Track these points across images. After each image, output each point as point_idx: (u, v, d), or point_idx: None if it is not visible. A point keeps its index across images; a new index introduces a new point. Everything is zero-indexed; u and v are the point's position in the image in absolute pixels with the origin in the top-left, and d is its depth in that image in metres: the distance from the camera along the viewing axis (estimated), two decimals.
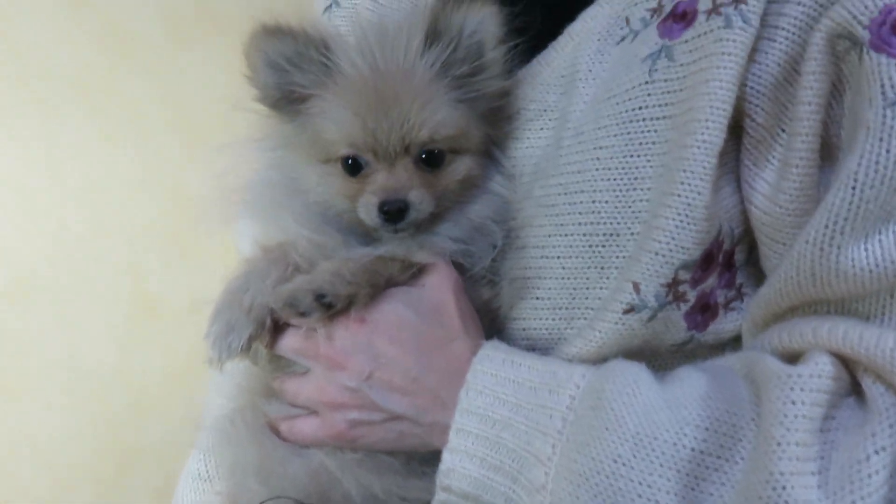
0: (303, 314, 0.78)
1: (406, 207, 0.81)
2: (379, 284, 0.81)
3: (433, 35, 0.83)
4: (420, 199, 0.82)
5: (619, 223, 0.77)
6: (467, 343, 0.79)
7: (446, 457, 0.73)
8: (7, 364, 2.40)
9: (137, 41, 2.54)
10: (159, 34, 2.57)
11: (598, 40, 0.83)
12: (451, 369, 0.77)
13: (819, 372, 0.61)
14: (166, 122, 2.58)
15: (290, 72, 0.84)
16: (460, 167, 0.85)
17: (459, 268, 0.86)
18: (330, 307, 0.78)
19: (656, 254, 0.72)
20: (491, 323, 0.86)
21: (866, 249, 0.62)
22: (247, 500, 0.86)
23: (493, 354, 0.76)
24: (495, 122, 0.88)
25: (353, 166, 0.84)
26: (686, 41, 0.74)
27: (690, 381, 0.68)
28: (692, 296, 0.75)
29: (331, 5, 1.12)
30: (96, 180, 2.50)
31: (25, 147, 2.41)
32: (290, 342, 0.83)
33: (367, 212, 0.82)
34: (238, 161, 0.93)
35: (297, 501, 0.83)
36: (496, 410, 0.72)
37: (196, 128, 2.57)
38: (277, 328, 0.83)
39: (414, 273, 0.84)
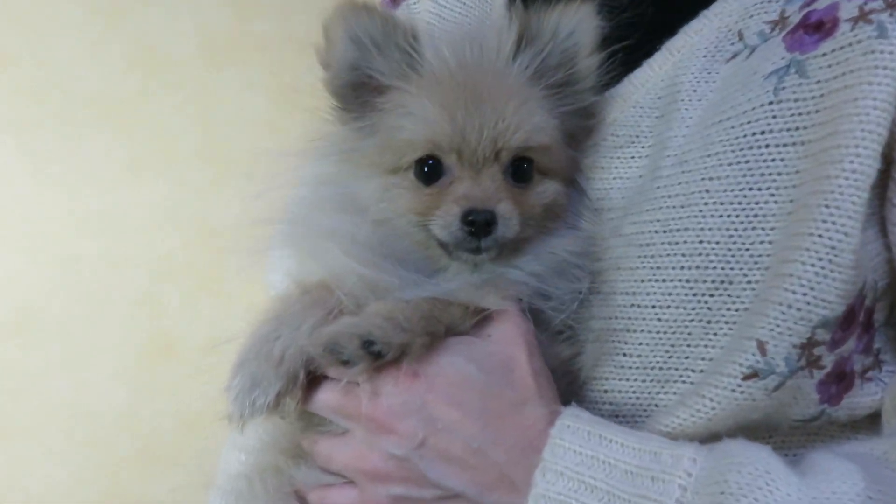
0: (346, 363, 0.71)
1: (494, 220, 0.74)
2: (438, 333, 0.74)
3: (526, 37, 0.79)
4: (509, 214, 0.75)
5: (732, 268, 0.70)
6: (541, 409, 0.71)
7: None
8: (3, 401, 2.41)
9: (169, 60, 2.58)
10: (194, 54, 2.61)
11: (704, 57, 0.79)
12: (522, 441, 0.70)
13: None
14: (196, 147, 2.60)
15: (373, 53, 0.80)
16: (549, 189, 0.80)
17: (534, 319, 0.78)
18: (378, 356, 0.70)
19: (789, 307, 0.65)
20: (568, 387, 0.79)
21: None
22: None
23: (574, 425, 0.69)
24: (582, 145, 0.83)
25: (430, 173, 0.77)
26: (824, 54, 0.68)
27: (841, 476, 0.61)
28: (829, 361, 0.68)
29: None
30: (115, 206, 2.52)
31: (41, 166, 2.44)
32: (327, 398, 0.76)
33: (446, 225, 0.75)
34: (276, 179, 0.86)
35: None
36: (581, 499, 0.65)
37: (228, 155, 2.57)
38: (313, 380, 0.76)
39: (479, 321, 0.77)
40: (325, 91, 0.83)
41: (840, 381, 0.70)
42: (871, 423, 0.73)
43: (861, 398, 0.71)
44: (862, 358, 0.70)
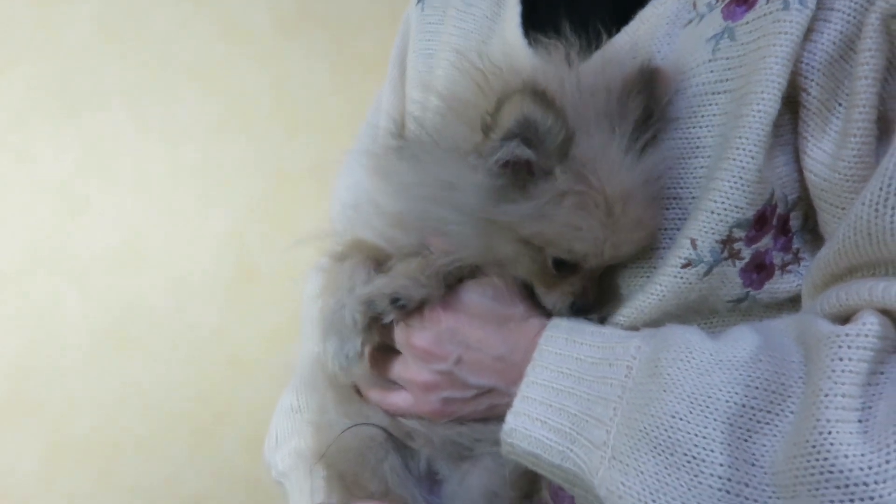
0: (380, 314, 0.78)
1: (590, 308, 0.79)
2: (451, 284, 0.80)
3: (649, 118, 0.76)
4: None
5: (681, 188, 0.76)
6: (540, 321, 0.78)
7: (509, 418, 0.73)
8: (120, 318, 2.50)
9: (248, 34, 2.64)
10: (267, 28, 2.66)
11: (667, 24, 0.82)
12: (530, 346, 0.76)
13: (866, 331, 0.59)
14: (270, 107, 2.66)
15: (534, 144, 0.69)
16: None
17: None
18: (404, 308, 0.78)
19: (712, 212, 0.72)
20: None
21: None
22: (333, 433, 0.87)
23: (556, 335, 0.75)
24: None
25: (566, 268, 0.77)
26: (747, 22, 0.73)
27: (743, 343, 0.66)
28: (747, 253, 0.75)
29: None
30: (206, 157, 2.59)
31: (145, 123, 2.51)
32: (396, 336, 0.82)
33: (557, 304, 0.79)
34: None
35: (382, 428, 0.85)
36: (559, 382, 0.72)
37: (297, 113, 2.67)
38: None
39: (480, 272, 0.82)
40: (484, 157, 0.71)
41: (760, 270, 0.76)
42: (792, 305, 0.78)
43: (781, 285, 0.77)
44: (781, 254, 0.76)
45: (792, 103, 0.72)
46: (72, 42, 2.43)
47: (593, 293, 0.79)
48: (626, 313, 0.78)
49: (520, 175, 0.71)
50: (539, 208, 0.71)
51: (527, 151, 0.69)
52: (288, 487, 1.00)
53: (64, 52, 2.42)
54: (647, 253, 0.79)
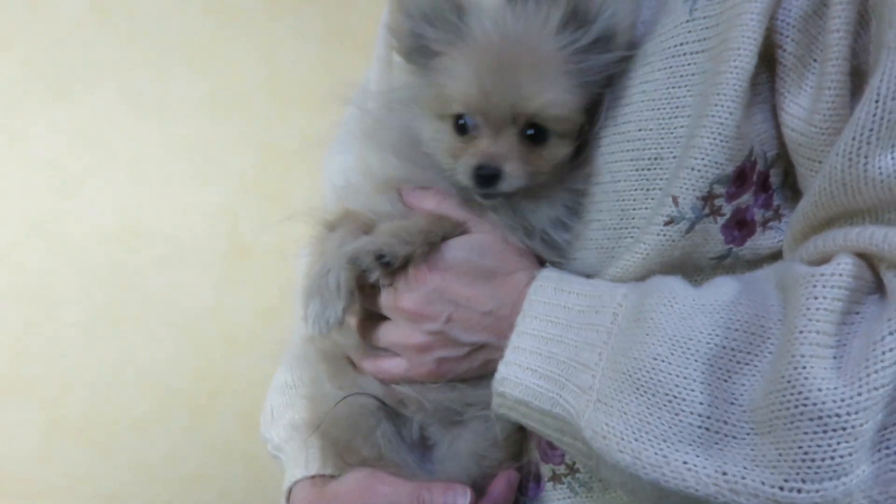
0: (365, 271, 0.79)
1: (499, 176, 0.79)
2: (435, 242, 0.81)
3: (571, 16, 0.79)
4: (513, 172, 0.80)
5: (662, 148, 0.76)
6: (527, 274, 0.80)
7: (501, 368, 0.75)
8: (115, 296, 2.51)
9: (238, 10, 2.65)
10: (257, 5, 2.68)
11: None
12: (518, 298, 0.77)
13: (840, 271, 0.61)
14: (261, 83, 2.68)
15: (425, 25, 0.81)
16: (561, 151, 0.82)
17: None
18: (389, 265, 0.78)
19: (692, 169, 0.72)
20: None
21: (892, 158, 0.61)
22: (327, 404, 0.88)
23: (545, 285, 0.77)
24: (595, 111, 0.84)
25: (462, 126, 0.81)
26: None
27: (724, 289, 0.68)
28: (728, 210, 0.75)
29: None
30: (198, 133, 2.60)
31: (137, 102, 2.53)
32: (382, 300, 0.83)
33: (464, 172, 0.80)
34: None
35: (375, 397, 0.85)
36: (548, 330, 0.74)
37: (287, 89, 2.69)
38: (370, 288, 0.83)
39: (464, 230, 0.84)
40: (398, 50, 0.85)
41: (741, 227, 0.76)
42: (774, 262, 0.77)
43: (763, 241, 0.77)
44: (762, 211, 0.77)
45: (769, 61, 0.72)
46: (64, 21, 2.43)
47: (535, 168, 0.81)
48: (611, 272, 0.79)
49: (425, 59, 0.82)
50: (433, 74, 0.81)
51: (420, 24, 0.80)
52: (283, 460, 1.01)
53: (56, 31, 2.42)
54: (629, 213, 0.80)
